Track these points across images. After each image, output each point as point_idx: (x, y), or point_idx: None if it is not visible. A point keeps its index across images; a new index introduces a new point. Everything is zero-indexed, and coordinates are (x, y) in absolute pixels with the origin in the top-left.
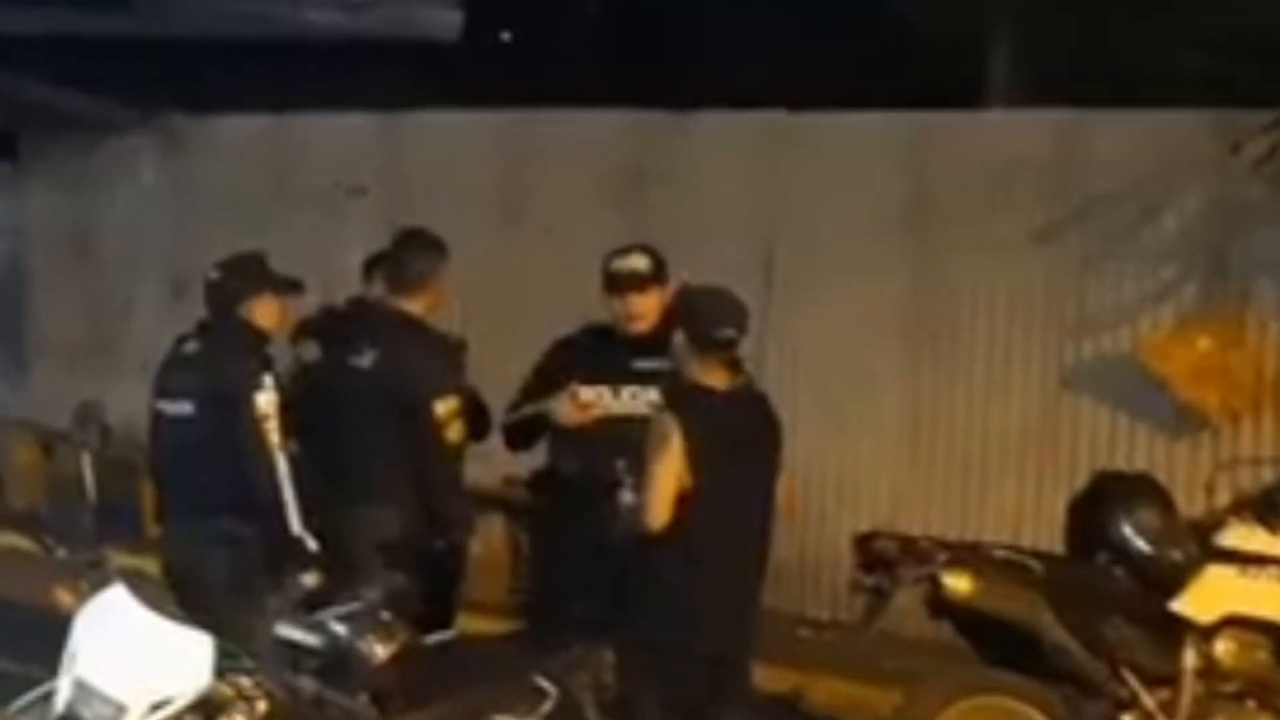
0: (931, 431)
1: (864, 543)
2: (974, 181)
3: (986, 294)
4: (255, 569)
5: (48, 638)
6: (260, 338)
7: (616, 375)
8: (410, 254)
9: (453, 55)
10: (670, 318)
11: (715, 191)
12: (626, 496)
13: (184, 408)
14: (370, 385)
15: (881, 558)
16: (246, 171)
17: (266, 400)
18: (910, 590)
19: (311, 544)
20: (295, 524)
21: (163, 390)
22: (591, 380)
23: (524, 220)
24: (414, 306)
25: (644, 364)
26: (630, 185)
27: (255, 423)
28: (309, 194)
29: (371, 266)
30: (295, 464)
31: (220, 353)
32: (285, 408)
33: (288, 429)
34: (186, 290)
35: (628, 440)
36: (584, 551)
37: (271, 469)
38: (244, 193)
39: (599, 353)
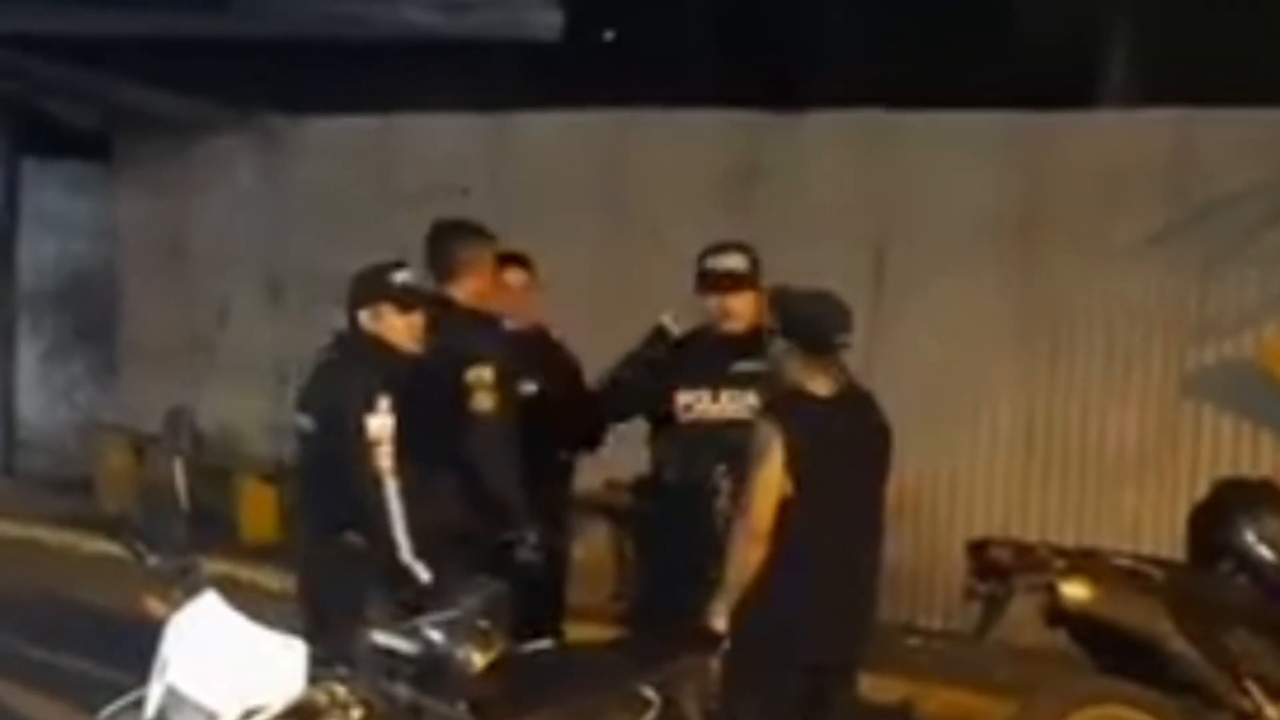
0: (1047, 438)
1: (978, 550)
2: (1089, 183)
3: (1102, 298)
4: (368, 588)
5: (139, 645)
6: (385, 353)
7: (715, 379)
8: (445, 242)
9: (556, 55)
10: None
11: (823, 192)
12: (724, 502)
13: (306, 423)
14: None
15: (996, 565)
16: (344, 173)
17: (379, 425)
18: (1025, 598)
19: (423, 575)
20: (405, 552)
21: (298, 401)
22: (691, 384)
23: (630, 221)
24: (458, 293)
25: (742, 366)
26: (737, 185)
27: (365, 446)
28: (410, 195)
29: None
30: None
31: (342, 368)
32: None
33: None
34: (283, 294)
35: (727, 444)
36: (686, 557)
37: (379, 495)
38: (342, 194)
39: (697, 355)
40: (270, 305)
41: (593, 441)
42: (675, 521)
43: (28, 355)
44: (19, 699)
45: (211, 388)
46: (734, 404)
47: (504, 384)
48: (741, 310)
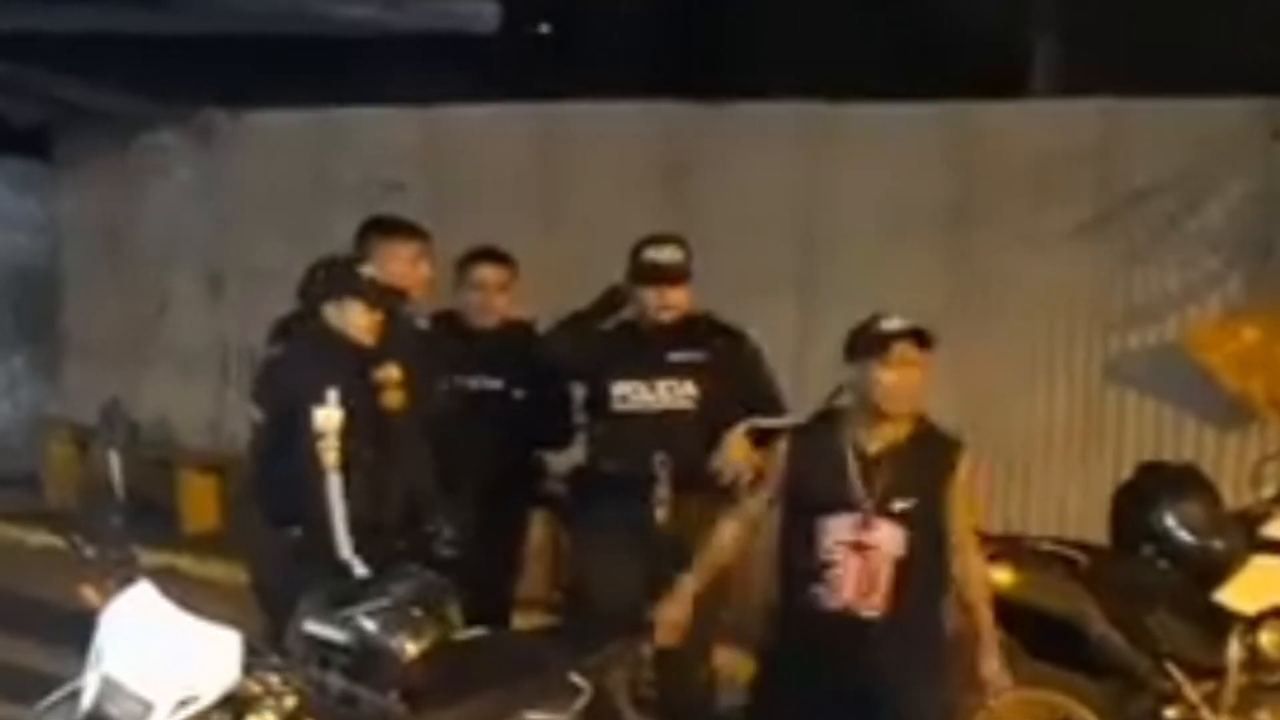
0: (975, 425)
1: None
2: (1018, 172)
3: (1030, 287)
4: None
5: (81, 637)
6: (343, 347)
7: (651, 369)
8: (368, 236)
9: (493, 48)
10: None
11: (755, 184)
12: (662, 492)
13: (257, 414)
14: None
15: None
16: (281, 167)
17: (324, 417)
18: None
19: (359, 570)
20: (344, 549)
21: (251, 392)
22: (627, 375)
23: (563, 213)
24: None
25: (678, 356)
26: (670, 177)
27: (310, 439)
28: (347, 190)
29: None
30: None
31: (295, 359)
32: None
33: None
34: (223, 287)
35: (664, 434)
36: (620, 547)
37: (321, 489)
38: (279, 189)
39: (630, 346)
40: (210, 298)
41: (561, 440)
42: (610, 512)
43: None
44: None
45: (152, 380)
46: (671, 394)
47: (412, 381)
48: (679, 301)
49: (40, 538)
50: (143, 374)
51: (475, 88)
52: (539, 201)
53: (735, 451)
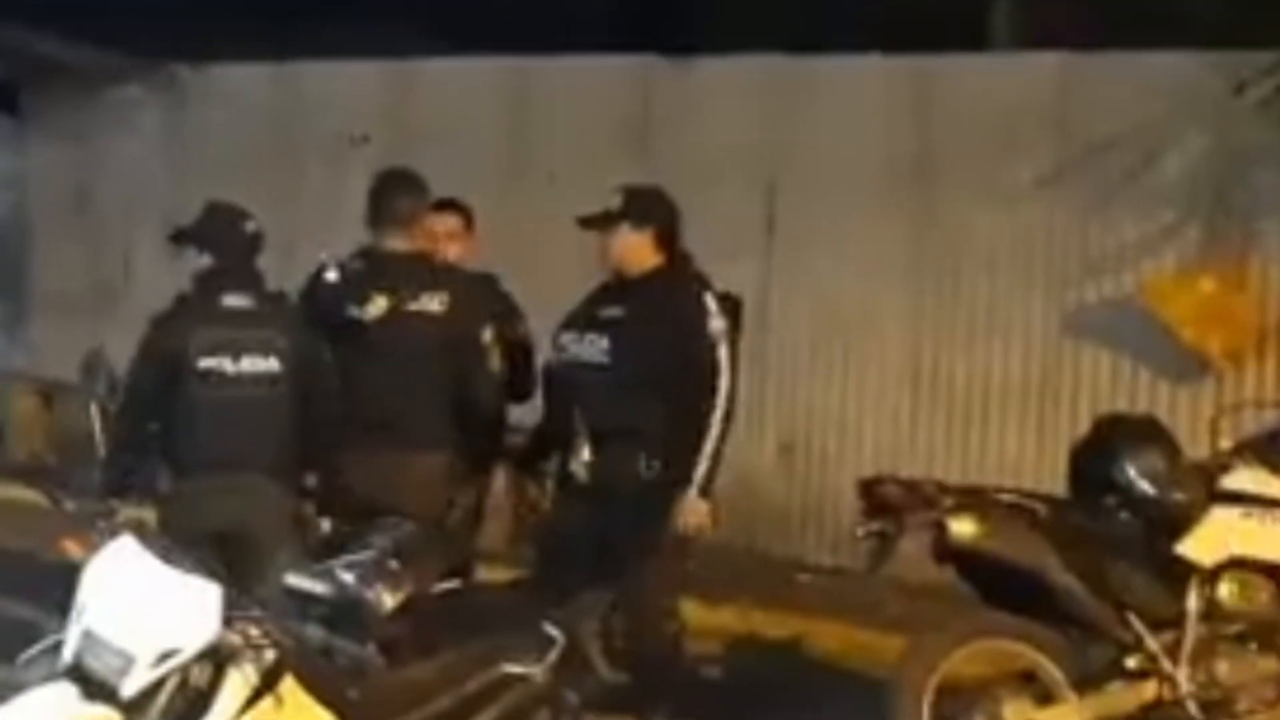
0: (934, 377)
1: (868, 488)
2: (977, 125)
3: (988, 239)
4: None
5: (54, 589)
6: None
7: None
8: (389, 193)
9: (457, 1)
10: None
11: (717, 136)
12: (584, 449)
13: (271, 364)
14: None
15: (886, 503)
16: (246, 121)
17: None
18: (915, 535)
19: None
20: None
21: (256, 342)
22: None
23: (528, 168)
24: (400, 244)
25: (607, 312)
26: (634, 131)
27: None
28: (312, 144)
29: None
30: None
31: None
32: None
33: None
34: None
35: (581, 388)
36: (573, 500)
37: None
38: (244, 143)
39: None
40: (175, 253)
41: (523, 393)
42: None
43: None
44: None
45: (117, 336)
46: (592, 347)
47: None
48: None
49: (9, 491)
50: (109, 329)
51: (440, 41)
52: (504, 155)
53: (692, 517)
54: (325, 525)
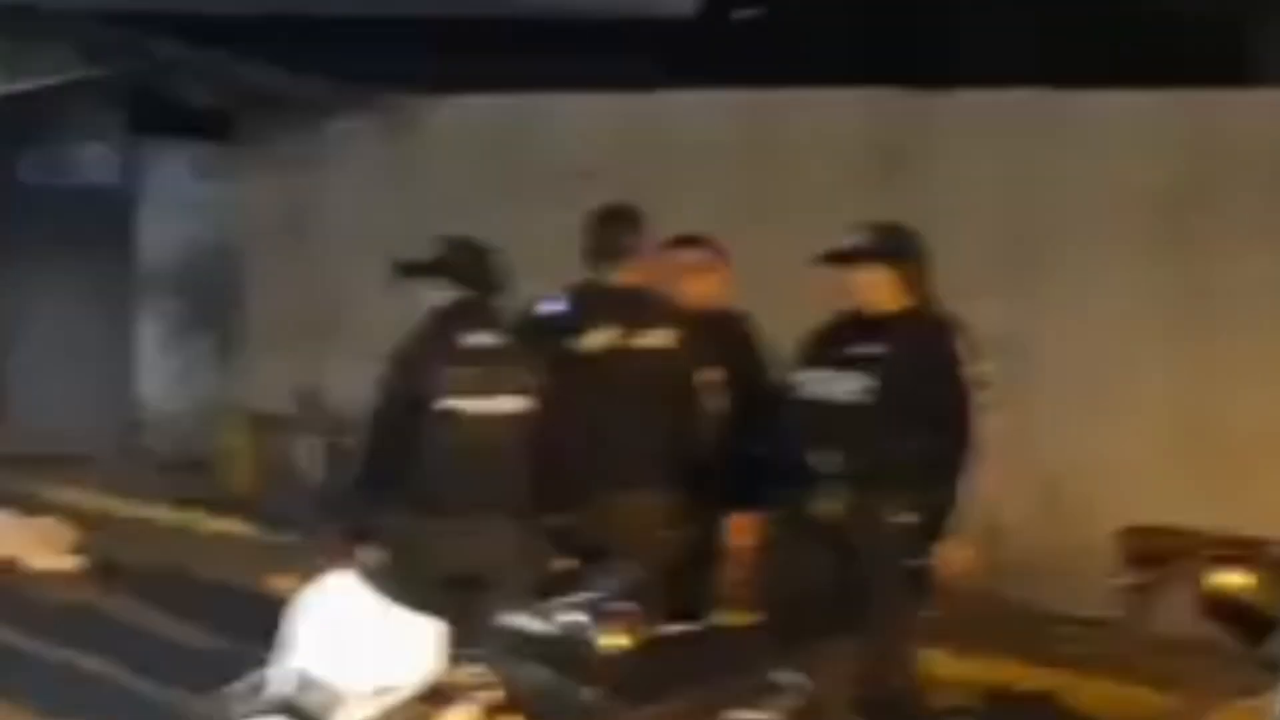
0: (1198, 422)
1: (1129, 537)
2: (1246, 161)
3: (1258, 283)
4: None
5: (262, 622)
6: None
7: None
8: (613, 227)
9: (692, 33)
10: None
11: (966, 173)
12: (828, 491)
13: (512, 403)
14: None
15: (1147, 552)
16: (471, 154)
17: None
18: (1177, 587)
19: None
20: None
21: (486, 381)
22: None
23: (765, 204)
24: (620, 278)
25: (861, 350)
26: (881, 168)
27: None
28: (542, 177)
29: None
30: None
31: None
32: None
33: None
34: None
35: (828, 427)
36: (813, 543)
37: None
38: (473, 175)
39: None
40: (394, 286)
41: (759, 434)
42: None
43: (147, 336)
44: (138, 680)
45: (333, 369)
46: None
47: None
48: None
49: (215, 523)
50: (325, 362)
51: (675, 74)
52: (743, 192)
53: (953, 564)
54: (555, 564)
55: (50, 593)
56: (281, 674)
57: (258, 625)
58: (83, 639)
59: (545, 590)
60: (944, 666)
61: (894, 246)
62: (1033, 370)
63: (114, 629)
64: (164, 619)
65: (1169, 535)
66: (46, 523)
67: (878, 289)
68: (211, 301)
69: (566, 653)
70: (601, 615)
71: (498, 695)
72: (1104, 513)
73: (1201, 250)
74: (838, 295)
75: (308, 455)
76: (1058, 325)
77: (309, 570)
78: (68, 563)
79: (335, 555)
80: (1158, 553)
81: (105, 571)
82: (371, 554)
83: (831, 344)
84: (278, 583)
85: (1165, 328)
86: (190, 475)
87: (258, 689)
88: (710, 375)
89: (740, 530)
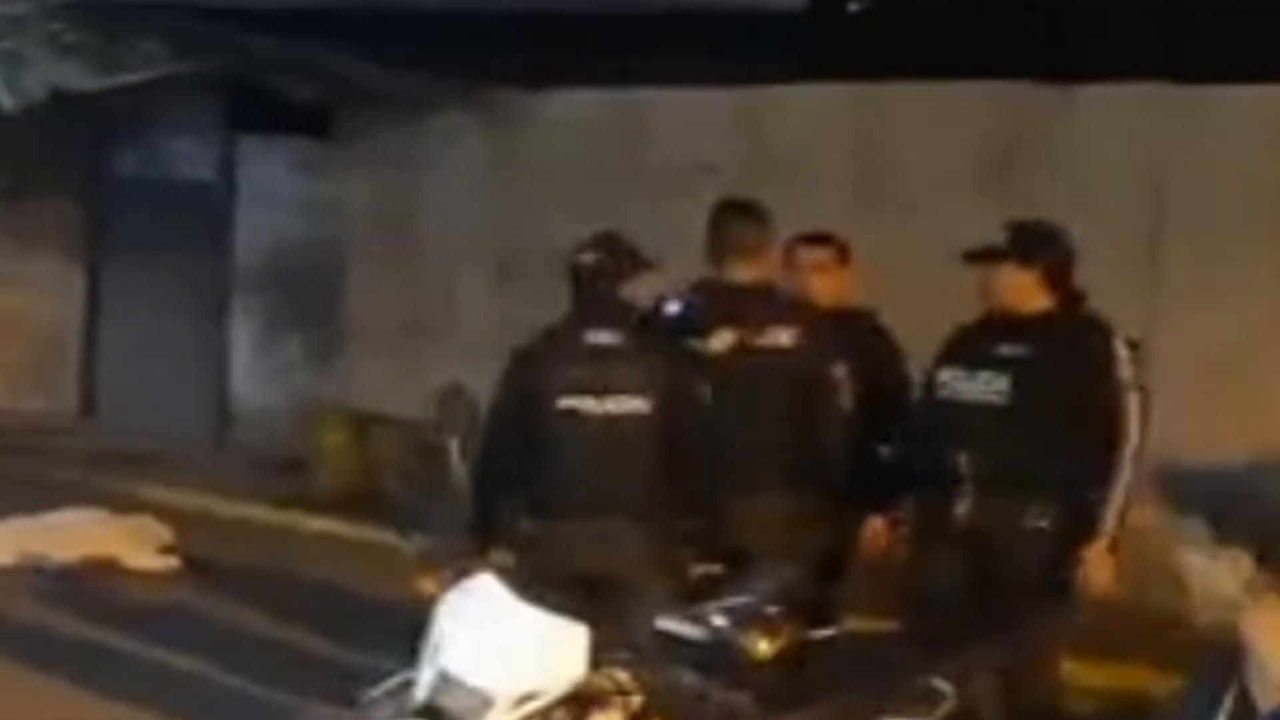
0: None
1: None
2: None
3: None
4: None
5: (401, 628)
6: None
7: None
8: (735, 222)
9: (804, 26)
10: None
11: (1095, 169)
12: (968, 490)
13: (639, 403)
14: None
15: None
16: (579, 150)
17: None
18: None
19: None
20: None
21: (604, 382)
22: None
23: (885, 200)
24: (742, 275)
25: (1005, 350)
26: (998, 162)
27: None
28: (654, 173)
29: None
30: None
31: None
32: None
33: None
34: (513, 274)
35: (967, 429)
36: (951, 547)
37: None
38: (576, 172)
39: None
40: (500, 285)
41: (890, 436)
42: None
43: (243, 333)
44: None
45: (437, 369)
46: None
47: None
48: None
49: (314, 524)
50: (429, 361)
51: (787, 68)
52: (857, 187)
53: (1099, 572)
54: (699, 569)
55: (145, 592)
56: (427, 678)
57: (393, 633)
58: (176, 639)
59: (689, 595)
60: (1078, 674)
61: (1029, 246)
62: (1162, 375)
63: (208, 627)
64: (262, 619)
65: None
66: (141, 521)
67: (1018, 289)
68: (308, 299)
69: (715, 657)
70: (751, 620)
71: (638, 700)
72: None
73: None
74: (979, 294)
75: (449, 457)
76: (1189, 329)
77: (447, 573)
78: (161, 562)
79: (469, 558)
80: None
81: (200, 570)
82: (504, 556)
83: (974, 343)
84: (423, 587)
85: None
86: (284, 474)
87: (399, 695)
88: (838, 374)
89: (876, 533)
